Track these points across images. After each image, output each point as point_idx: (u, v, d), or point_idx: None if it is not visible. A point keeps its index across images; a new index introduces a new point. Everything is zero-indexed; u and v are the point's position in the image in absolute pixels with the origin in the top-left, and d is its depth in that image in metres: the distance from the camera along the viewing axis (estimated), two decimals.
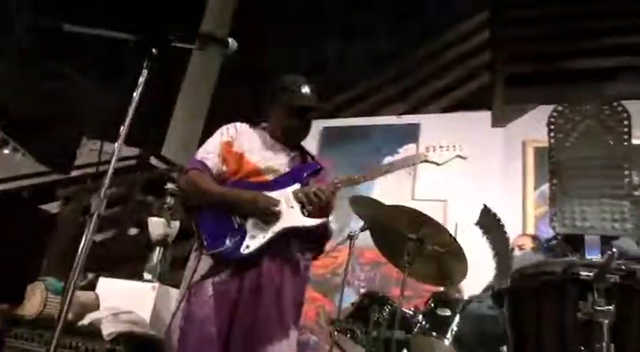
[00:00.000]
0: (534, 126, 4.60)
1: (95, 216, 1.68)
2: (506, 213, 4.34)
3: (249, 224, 2.10)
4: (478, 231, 3.65)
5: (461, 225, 4.23)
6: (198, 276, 2.08)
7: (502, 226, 1.62)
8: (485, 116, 4.80)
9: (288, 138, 2.31)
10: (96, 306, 2.92)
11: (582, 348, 1.27)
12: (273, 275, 2.08)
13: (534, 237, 3.60)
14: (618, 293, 1.30)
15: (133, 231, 5.19)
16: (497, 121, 4.72)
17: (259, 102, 2.43)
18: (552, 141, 1.56)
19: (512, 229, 4.28)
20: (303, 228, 2.13)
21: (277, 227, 2.09)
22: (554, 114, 1.56)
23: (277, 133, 2.31)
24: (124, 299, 3.07)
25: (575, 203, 1.48)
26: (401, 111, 5.16)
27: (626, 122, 1.48)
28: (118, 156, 1.91)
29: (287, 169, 2.25)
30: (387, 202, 4.52)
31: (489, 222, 1.64)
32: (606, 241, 1.44)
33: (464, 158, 2.26)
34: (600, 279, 1.25)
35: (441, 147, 2.27)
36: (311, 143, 5.23)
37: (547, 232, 4.18)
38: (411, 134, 4.90)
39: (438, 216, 4.38)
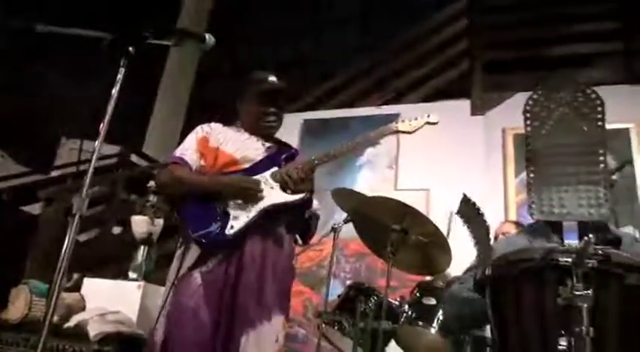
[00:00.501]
0: (513, 113, 4.61)
1: (77, 216, 1.67)
2: (488, 200, 4.40)
3: (232, 207, 2.15)
4: (458, 221, 3.70)
5: (445, 214, 4.29)
6: (184, 269, 2.10)
7: (481, 215, 1.65)
8: (465, 104, 4.83)
9: (262, 127, 2.35)
10: (81, 307, 2.90)
11: (562, 332, 1.30)
12: (254, 256, 2.11)
13: (517, 224, 3.65)
14: (596, 278, 1.33)
15: (117, 230, 5.15)
16: (477, 109, 4.76)
17: (237, 98, 2.46)
18: (528, 129, 1.58)
19: (495, 216, 4.34)
20: (285, 204, 2.19)
21: (259, 206, 2.16)
22: (530, 102, 1.59)
23: (251, 125, 2.37)
24: (110, 299, 3.06)
25: (553, 190, 1.50)
26: (380, 102, 5.17)
27: (599, 109, 1.51)
28: (99, 154, 1.91)
29: (263, 156, 2.31)
30: (370, 194, 4.58)
31: (469, 211, 1.67)
32: (583, 226, 1.47)
33: (433, 123, 2.35)
34: (578, 265, 1.28)
35: (409, 118, 2.37)
36: (292, 136, 5.24)
37: (529, 218, 4.24)
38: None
39: (421, 206, 4.46)
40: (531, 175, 1.55)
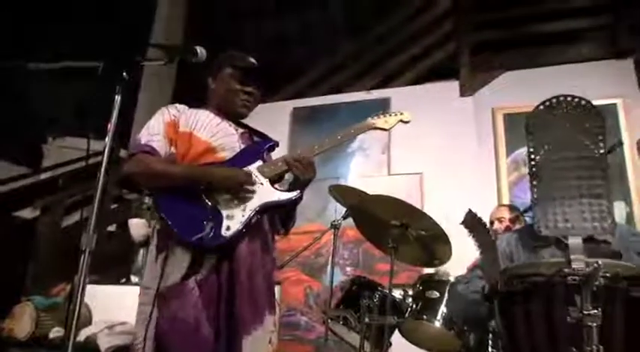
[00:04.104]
0: (502, 92, 4.67)
1: (87, 253, 1.67)
2: (481, 180, 4.46)
3: (222, 203, 1.99)
4: (452, 203, 3.72)
5: (436, 197, 4.35)
6: (176, 278, 1.90)
7: (486, 227, 1.67)
8: (454, 85, 4.83)
9: (236, 106, 2.21)
10: (89, 319, 2.93)
11: (573, 349, 1.35)
12: (245, 257, 1.96)
13: (511, 208, 3.68)
14: (603, 294, 1.37)
15: (111, 228, 5.13)
16: (466, 90, 4.75)
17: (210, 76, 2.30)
18: (530, 144, 1.60)
19: (488, 196, 4.40)
20: (280, 202, 2.07)
21: (254, 204, 2.02)
22: (531, 117, 1.61)
23: (223, 106, 2.22)
24: (114, 305, 3.08)
25: (557, 204, 1.53)
26: (369, 86, 5.15)
27: (600, 123, 1.53)
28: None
29: (242, 146, 2.16)
30: (364, 179, 4.61)
31: (474, 223, 1.69)
32: (589, 240, 1.50)
33: (406, 122, 2.38)
34: (588, 285, 1.32)
35: (384, 114, 2.39)
36: (282, 124, 5.22)
37: (521, 197, 4.32)
38: (381, 108, 4.86)
39: (415, 189, 4.52)
40: (535, 190, 1.57)
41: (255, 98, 2.24)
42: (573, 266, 1.36)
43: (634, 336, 1.42)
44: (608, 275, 1.35)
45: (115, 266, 4.06)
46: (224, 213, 1.97)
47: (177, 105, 2.20)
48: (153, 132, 2.08)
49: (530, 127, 1.60)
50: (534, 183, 1.58)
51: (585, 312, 1.32)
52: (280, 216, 2.21)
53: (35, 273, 3.88)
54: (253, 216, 1.99)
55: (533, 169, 1.59)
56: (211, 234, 1.92)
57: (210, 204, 1.98)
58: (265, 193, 2.06)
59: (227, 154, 2.10)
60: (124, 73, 1.83)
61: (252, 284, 1.96)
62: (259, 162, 2.13)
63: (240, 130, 2.22)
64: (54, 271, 3.78)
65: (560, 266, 1.42)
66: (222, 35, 6.10)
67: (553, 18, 4.69)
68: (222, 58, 2.27)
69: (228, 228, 1.94)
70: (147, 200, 3.75)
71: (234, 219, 1.97)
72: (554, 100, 1.57)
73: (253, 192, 2.03)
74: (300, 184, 2.13)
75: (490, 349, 2.70)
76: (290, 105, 5.28)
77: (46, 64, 1.70)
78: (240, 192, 2.01)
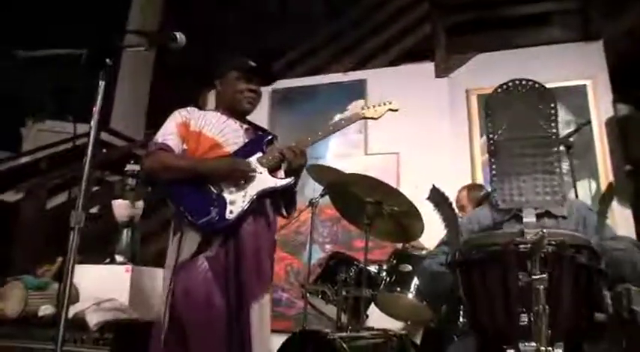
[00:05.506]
0: (476, 74, 4.79)
1: (77, 230, 1.78)
2: (455, 160, 4.60)
3: (226, 191, 2.29)
4: (427, 182, 3.85)
5: (412, 176, 4.49)
6: (187, 255, 2.23)
7: (449, 202, 1.80)
8: (429, 67, 4.93)
9: (242, 103, 2.48)
10: (76, 297, 3.00)
11: (523, 310, 1.50)
12: (250, 237, 2.28)
13: (469, 188, 3.79)
14: (552, 260, 1.51)
15: (94, 210, 5.19)
16: (441, 71, 4.86)
17: (207, 59, 2.56)
18: (489, 124, 1.73)
19: (462, 175, 4.54)
20: (276, 188, 2.37)
21: (254, 190, 2.31)
22: (490, 98, 1.73)
23: (230, 104, 2.51)
24: (100, 285, 3.15)
25: (513, 179, 1.67)
26: (347, 68, 5.24)
27: (552, 104, 1.66)
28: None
29: (245, 140, 2.45)
30: (342, 159, 4.72)
31: (438, 199, 1.82)
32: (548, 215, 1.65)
33: (395, 110, 2.65)
34: (535, 252, 1.46)
35: (374, 104, 2.68)
36: (261, 106, 5.27)
37: None
38: (358, 90, 5.01)
39: (391, 168, 4.65)
40: (493, 166, 1.71)
41: (259, 94, 2.54)
42: (526, 236, 1.49)
43: (578, 298, 1.57)
44: (555, 242, 1.49)
45: (99, 247, 4.14)
46: (227, 199, 2.29)
47: (187, 108, 2.49)
48: (167, 132, 2.40)
49: (488, 108, 1.73)
50: (492, 160, 1.71)
51: (534, 276, 1.46)
52: (284, 200, 2.51)
53: (19, 256, 3.94)
54: (253, 201, 2.30)
55: (492, 147, 1.72)
56: (217, 217, 2.24)
57: (215, 191, 2.30)
58: (264, 181, 2.36)
59: (232, 148, 2.40)
60: (108, 60, 1.93)
61: (257, 259, 2.29)
62: (259, 154, 2.41)
63: (245, 126, 2.50)
64: (38, 253, 3.85)
65: (513, 237, 1.56)
66: (198, 18, 6.12)
67: (525, 1, 4.80)
68: (226, 63, 2.55)
69: (231, 212, 2.26)
70: (130, 181, 3.81)
71: (236, 204, 2.28)
72: (510, 83, 1.70)
73: (253, 179, 2.33)
74: (292, 171, 2.41)
75: (461, 319, 2.87)
76: (269, 87, 5.35)
77: (33, 52, 1.78)
78: (238, 177, 2.31)
